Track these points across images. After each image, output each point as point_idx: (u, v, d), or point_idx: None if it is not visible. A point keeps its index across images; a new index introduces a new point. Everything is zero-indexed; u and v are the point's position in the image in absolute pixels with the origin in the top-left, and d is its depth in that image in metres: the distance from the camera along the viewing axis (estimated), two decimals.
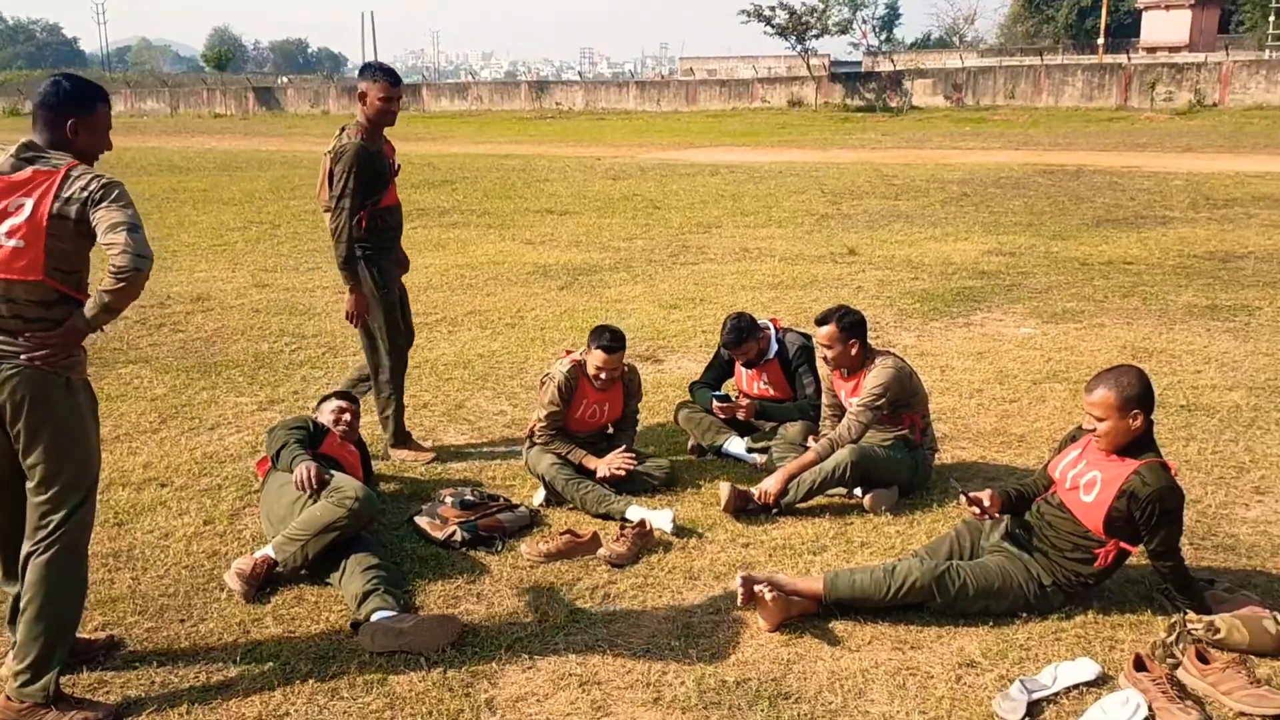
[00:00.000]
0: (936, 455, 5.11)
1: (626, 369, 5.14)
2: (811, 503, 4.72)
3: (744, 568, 4.09)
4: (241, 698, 3.30)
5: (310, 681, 3.38)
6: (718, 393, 5.56)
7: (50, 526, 3.12)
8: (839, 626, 3.69)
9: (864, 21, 58.79)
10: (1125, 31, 57.78)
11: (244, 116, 58.22)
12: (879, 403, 4.76)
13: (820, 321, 4.88)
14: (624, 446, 5.01)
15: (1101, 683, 3.31)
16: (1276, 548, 4.28)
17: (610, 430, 5.23)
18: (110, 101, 3.27)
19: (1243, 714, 3.13)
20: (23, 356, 3.03)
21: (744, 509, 4.64)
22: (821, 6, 49.86)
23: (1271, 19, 47.55)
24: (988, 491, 3.95)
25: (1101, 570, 3.71)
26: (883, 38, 75.93)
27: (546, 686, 3.36)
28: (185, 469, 5.29)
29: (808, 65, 49.41)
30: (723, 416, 5.47)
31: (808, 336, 5.42)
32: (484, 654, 3.53)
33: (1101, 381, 3.66)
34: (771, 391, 5.56)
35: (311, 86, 66.28)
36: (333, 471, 4.27)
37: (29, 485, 3.14)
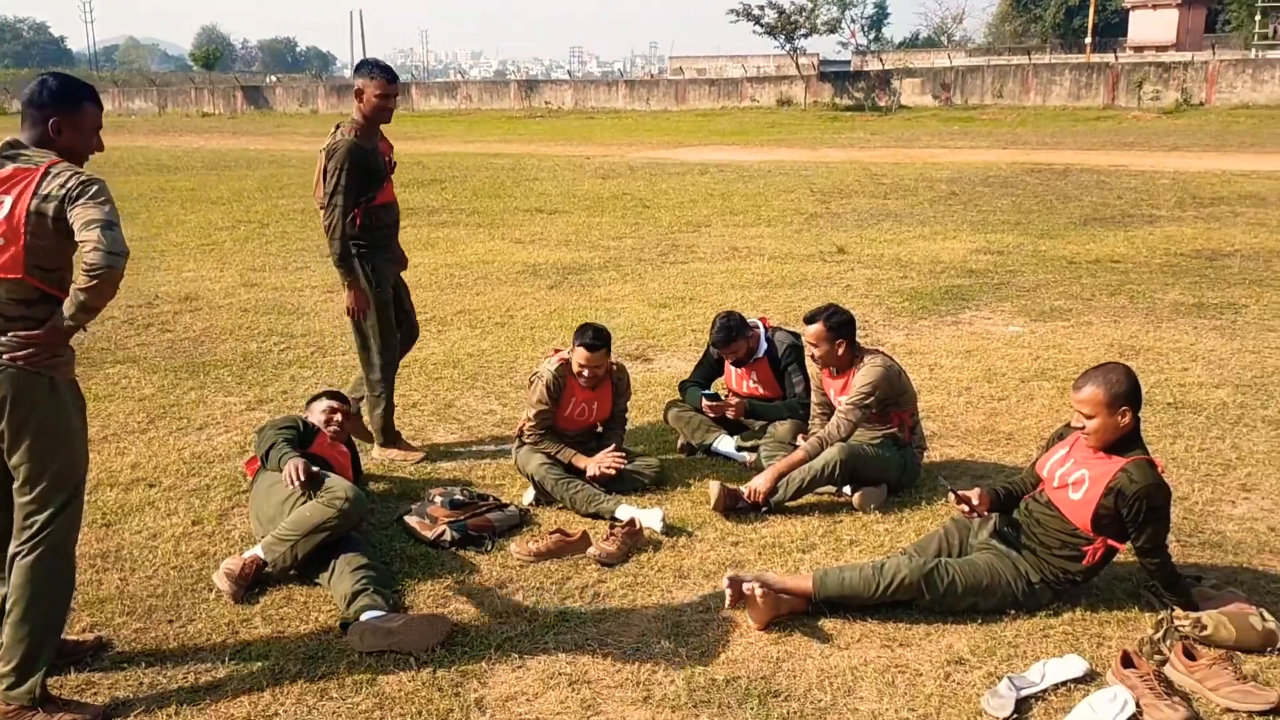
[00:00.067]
0: (925, 453, 5.13)
1: (615, 368, 5.14)
2: (801, 501, 4.73)
3: (733, 566, 4.10)
4: (230, 698, 3.29)
5: (299, 682, 3.37)
6: (707, 391, 5.57)
7: (35, 527, 3.10)
8: (828, 624, 3.70)
9: (852, 21, 59.02)
10: (1112, 31, 58.03)
11: (232, 115, 58.03)
12: (868, 401, 4.77)
13: (808, 320, 4.89)
14: (613, 446, 5.01)
15: (1089, 679, 3.33)
16: (1263, 544, 4.31)
17: (599, 429, 5.23)
18: (100, 101, 3.23)
19: (1229, 709, 3.14)
20: (5, 356, 3.01)
21: (733, 507, 4.64)
22: (810, 6, 49.99)
23: (1258, 18, 47.81)
24: (976, 490, 3.97)
25: (1089, 567, 3.72)
26: (871, 37, 76.04)
27: (536, 686, 3.36)
28: (173, 469, 5.27)
29: (796, 64, 49.52)
30: (712, 415, 5.47)
31: (797, 335, 5.43)
32: (473, 653, 3.53)
33: (1090, 379, 3.68)
34: (761, 390, 5.57)
35: (300, 85, 66.15)
36: (323, 471, 4.27)
37: (14, 486, 3.13)
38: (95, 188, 2.97)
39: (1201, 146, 24.32)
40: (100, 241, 2.88)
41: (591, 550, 4.23)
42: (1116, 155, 22.57)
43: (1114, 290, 9.28)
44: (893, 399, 4.85)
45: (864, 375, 4.80)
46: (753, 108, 46.84)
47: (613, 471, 4.82)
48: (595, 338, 4.89)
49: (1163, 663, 3.36)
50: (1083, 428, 3.68)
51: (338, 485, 4.11)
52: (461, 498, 4.56)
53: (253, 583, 3.95)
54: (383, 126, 5.29)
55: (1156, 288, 9.33)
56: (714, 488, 4.64)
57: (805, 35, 50.56)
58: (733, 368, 5.61)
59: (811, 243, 12.20)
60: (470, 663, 3.47)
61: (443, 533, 4.35)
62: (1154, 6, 50.36)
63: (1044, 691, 3.26)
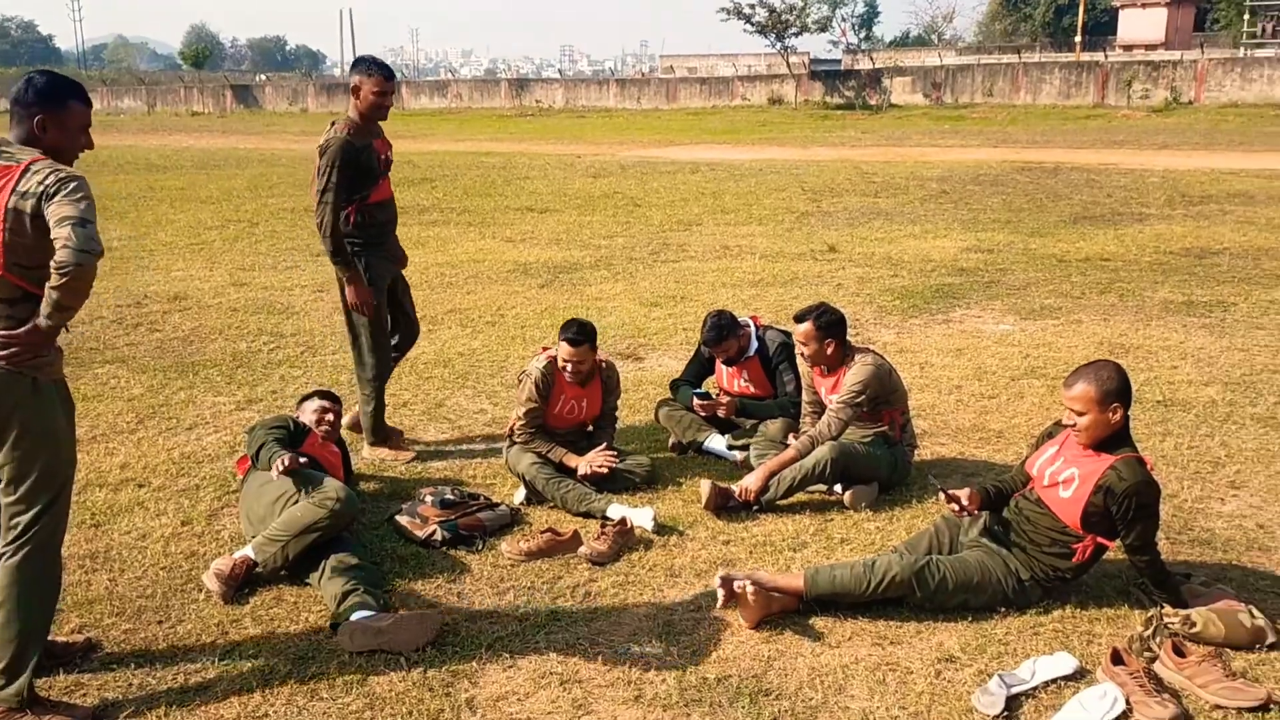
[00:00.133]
0: (916, 451, 5.13)
1: (604, 365, 5.14)
2: (792, 499, 4.74)
3: (725, 565, 4.10)
4: (220, 699, 3.28)
5: (290, 682, 3.36)
6: (698, 390, 5.57)
7: (20, 527, 3.09)
8: (819, 623, 3.70)
9: (843, 19, 59.06)
10: (1102, 29, 58.20)
11: (222, 114, 57.84)
12: (859, 400, 4.78)
13: (798, 319, 4.89)
14: (604, 445, 5.01)
15: (1079, 677, 3.34)
16: (1251, 541, 4.32)
17: (590, 428, 5.23)
18: (88, 99, 3.20)
19: (1219, 706, 3.15)
20: None
21: (725, 506, 4.64)
22: (801, 4, 49.97)
23: (1246, 17, 47.98)
24: (966, 489, 3.97)
25: (1079, 565, 3.73)
26: (862, 36, 76.21)
27: (527, 685, 3.36)
28: (163, 469, 5.26)
29: (787, 63, 49.52)
30: (703, 414, 5.48)
31: (788, 334, 5.43)
32: (464, 653, 3.52)
33: (1081, 376, 3.69)
34: (752, 389, 5.57)
35: (290, 84, 66.01)
36: (313, 471, 4.26)
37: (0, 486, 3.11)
38: (73, 184, 2.92)
39: (1191, 145, 24.40)
40: (70, 239, 2.83)
41: (583, 549, 4.23)
42: (1106, 154, 22.64)
43: (1104, 288, 9.30)
44: (883, 397, 4.86)
45: (855, 374, 4.81)
46: (744, 106, 46.87)
47: (604, 470, 4.82)
48: (578, 332, 4.90)
49: (1152, 660, 3.37)
50: (1073, 425, 3.68)
51: (329, 486, 4.11)
52: (452, 497, 4.55)
53: (242, 583, 3.94)
54: (381, 124, 5.28)
55: (1146, 286, 9.36)
56: (705, 486, 4.64)
57: (796, 34, 50.56)
58: (724, 366, 5.61)
59: (802, 241, 12.21)
60: (461, 662, 3.47)
61: (433, 532, 4.34)
62: (1143, 5, 50.50)
63: (1034, 689, 3.27)
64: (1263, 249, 11.00)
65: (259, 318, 8.64)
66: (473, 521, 4.43)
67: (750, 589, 3.64)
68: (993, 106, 40.17)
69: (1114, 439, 3.68)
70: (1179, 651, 3.34)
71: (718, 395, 5.55)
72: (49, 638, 3.50)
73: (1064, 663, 3.36)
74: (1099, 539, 3.68)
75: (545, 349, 5.11)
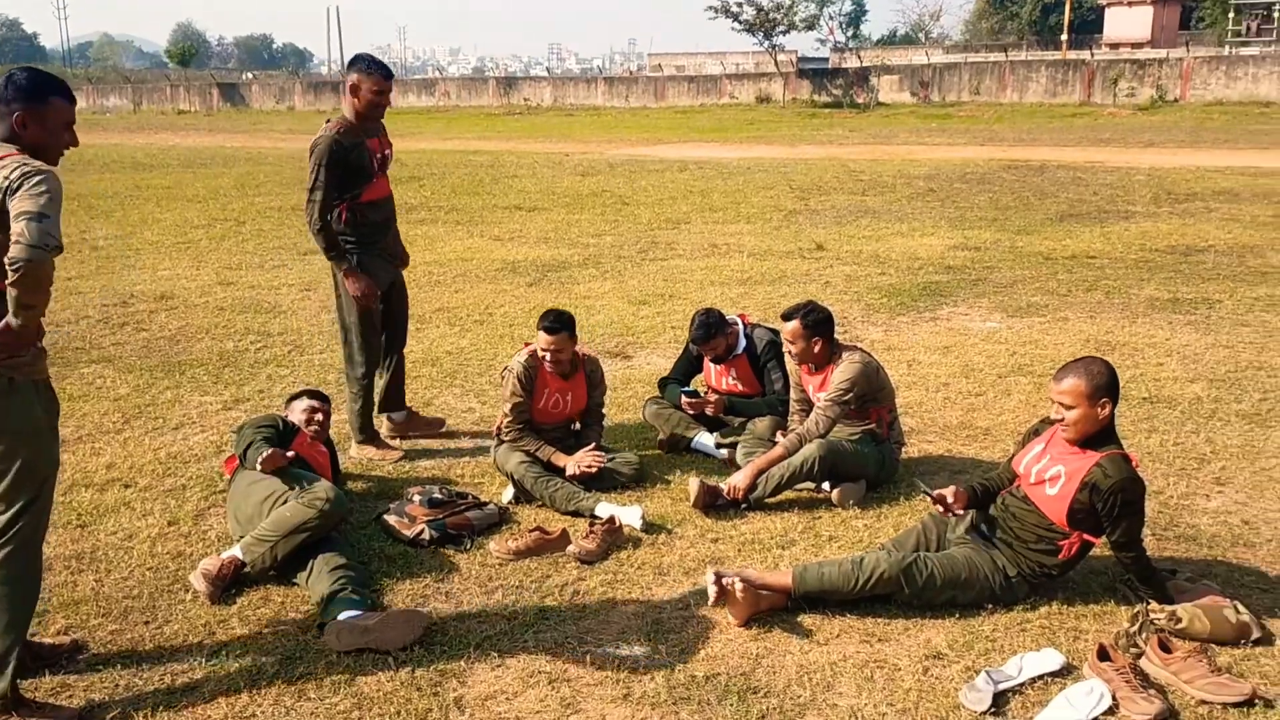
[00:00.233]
0: (903, 449, 5.15)
1: (586, 358, 5.15)
2: (780, 497, 4.74)
3: (713, 563, 4.10)
4: (207, 700, 3.27)
5: (277, 683, 3.35)
6: (686, 388, 5.57)
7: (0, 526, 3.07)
8: (807, 620, 3.71)
9: (830, 18, 59.09)
10: (1088, 28, 58.40)
11: (208, 113, 57.62)
12: (846, 397, 4.79)
13: (786, 317, 4.89)
14: (592, 444, 5.01)
15: (1066, 673, 3.35)
16: (1237, 538, 4.35)
17: (577, 426, 5.23)
18: (71, 96, 3.17)
19: (1204, 702, 3.17)
20: None
21: (713, 504, 4.65)
22: (788, 3, 49.99)
23: (1231, 15, 48.22)
24: (952, 488, 3.98)
25: (1065, 561, 3.75)
26: (849, 34, 76.29)
27: (516, 684, 3.35)
28: (149, 469, 5.23)
29: (775, 62, 49.54)
30: (691, 412, 5.48)
31: (776, 332, 5.43)
32: (453, 652, 3.52)
33: (1071, 371, 3.70)
34: (740, 387, 5.57)
35: (277, 83, 65.74)
36: (300, 470, 4.24)
37: None
38: (36, 179, 2.85)
39: (1176, 143, 24.51)
40: (24, 234, 2.76)
41: (571, 548, 4.23)
42: (1092, 151, 22.73)
43: (1090, 286, 9.34)
44: (871, 395, 4.87)
45: (842, 372, 4.81)
46: (732, 105, 46.88)
47: (592, 470, 4.82)
48: (555, 321, 4.91)
49: (1138, 656, 3.38)
50: (1061, 419, 3.70)
51: (318, 486, 4.10)
52: (440, 496, 4.54)
53: (229, 583, 3.92)
54: (385, 122, 5.29)
55: (1132, 283, 9.40)
56: (693, 485, 4.64)
57: (784, 32, 50.57)
58: (712, 365, 5.61)
59: (790, 239, 12.23)
60: (449, 662, 3.46)
61: (421, 531, 4.34)
62: (1129, 4, 50.66)
63: (1021, 685, 3.28)
64: (1247, 246, 11.06)
65: (246, 317, 8.61)
66: (461, 520, 4.42)
67: (739, 586, 3.64)
68: (980, 105, 40.28)
69: (1100, 435, 3.70)
70: (1165, 647, 3.35)
71: (706, 393, 5.55)
72: (36, 639, 3.49)
73: (1051, 659, 3.38)
74: (1085, 536, 3.70)
75: (527, 344, 5.12)
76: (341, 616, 3.56)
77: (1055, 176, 17.96)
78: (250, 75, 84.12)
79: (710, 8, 50.52)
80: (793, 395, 5.23)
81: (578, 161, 23.21)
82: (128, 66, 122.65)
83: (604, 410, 5.34)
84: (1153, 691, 3.17)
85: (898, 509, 4.69)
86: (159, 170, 22.41)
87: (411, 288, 9.54)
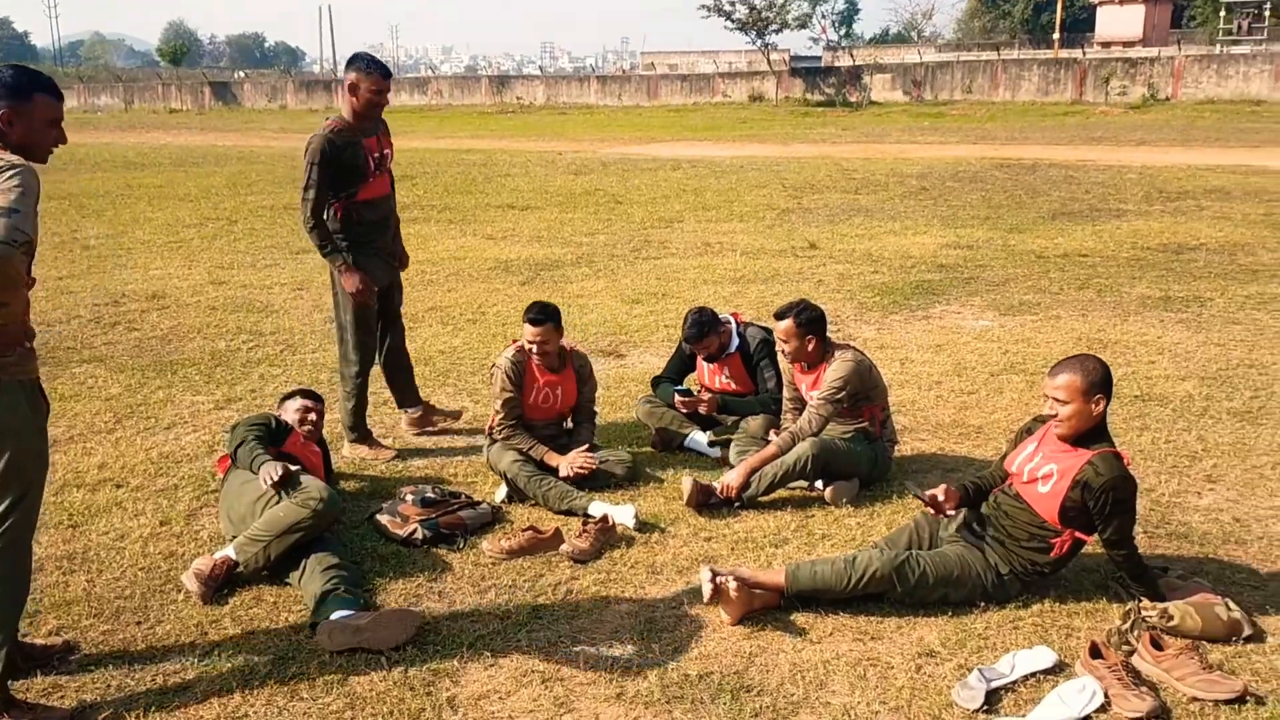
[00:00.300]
0: (896, 447, 5.15)
1: (574, 352, 5.18)
2: (773, 496, 4.75)
3: (706, 562, 4.10)
4: (200, 700, 3.26)
5: (270, 683, 3.35)
6: (680, 387, 5.57)
7: None
8: (800, 619, 3.71)
9: (823, 16, 59.11)
10: (1080, 26, 58.55)
11: (200, 112, 57.50)
12: (839, 396, 4.79)
13: (779, 316, 4.90)
14: (585, 444, 5.01)
15: (1058, 670, 3.36)
16: (1228, 535, 4.36)
17: (569, 424, 5.23)
18: (58, 93, 3.15)
19: (1196, 699, 3.18)
20: None
21: (706, 503, 4.65)
22: (781, 1, 50.05)
23: (1222, 14, 48.36)
24: (943, 487, 3.98)
25: (1057, 559, 3.76)
26: (842, 33, 76.29)
27: (509, 684, 3.35)
28: (141, 469, 5.22)
29: (768, 60, 49.60)
30: (684, 411, 5.48)
31: (769, 330, 5.43)
32: (446, 652, 3.51)
33: (1066, 366, 3.71)
34: (733, 385, 5.57)
35: (269, 81, 65.63)
36: (299, 471, 4.23)
37: None
38: (9, 173, 2.82)
39: (1168, 141, 24.57)
40: None
41: (564, 547, 4.22)
42: (1084, 150, 22.78)
43: (1082, 284, 9.36)
44: (864, 393, 4.87)
45: (835, 370, 4.82)
46: (725, 103, 46.91)
47: (585, 472, 4.82)
48: (540, 312, 4.94)
49: (1130, 653, 3.39)
50: (1055, 415, 3.70)
51: (312, 486, 4.08)
52: (433, 495, 4.54)
53: (222, 583, 3.91)
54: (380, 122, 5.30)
55: (1124, 281, 9.42)
56: (687, 483, 4.64)
57: (776, 31, 50.67)
58: (705, 363, 5.61)
59: (783, 238, 12.23)
60: (442, 661, 3.46)
61: (414, 531, 4.33)
62: (1121, 2, 50.80)
63: (1014, 683, 3.29)
64: (1238, 244, 11.10)
65: (238, 316, 8.59)
66: (454, 520, 4.42)
67: (733, 584, 3.64)
68: (972, 103, 40.35)
69: (1093, 433, 3.70)
70: (1156, 644, 3.36)
71: (699, 392, 5.55)
72: (27, 640, 3.48)
73: (1043, 656, 3.38)
74: (1077, 533, 3.71)
75: (515, 341, 5.12)
76: (334, 616, 3.55)
77: (1047, 175, 17.99)
78: (242, 74, 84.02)
79: (703, 6, 50.59)
80: (785, 394, 5.24)
81: (570, 160, 23.20)
82: (119, 65, 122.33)
83: (595, 408, 5.33)
84: (1145, 689, 3.17)
85: (890, 507, 4.69)
86: (150, 169, 22.35)
87: (404, 286, 9.58)
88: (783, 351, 4.99)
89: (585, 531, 4.27)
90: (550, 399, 5.08)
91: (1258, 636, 3.53)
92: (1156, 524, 4.46)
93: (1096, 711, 3.12)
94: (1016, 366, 6.85)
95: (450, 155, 24.49)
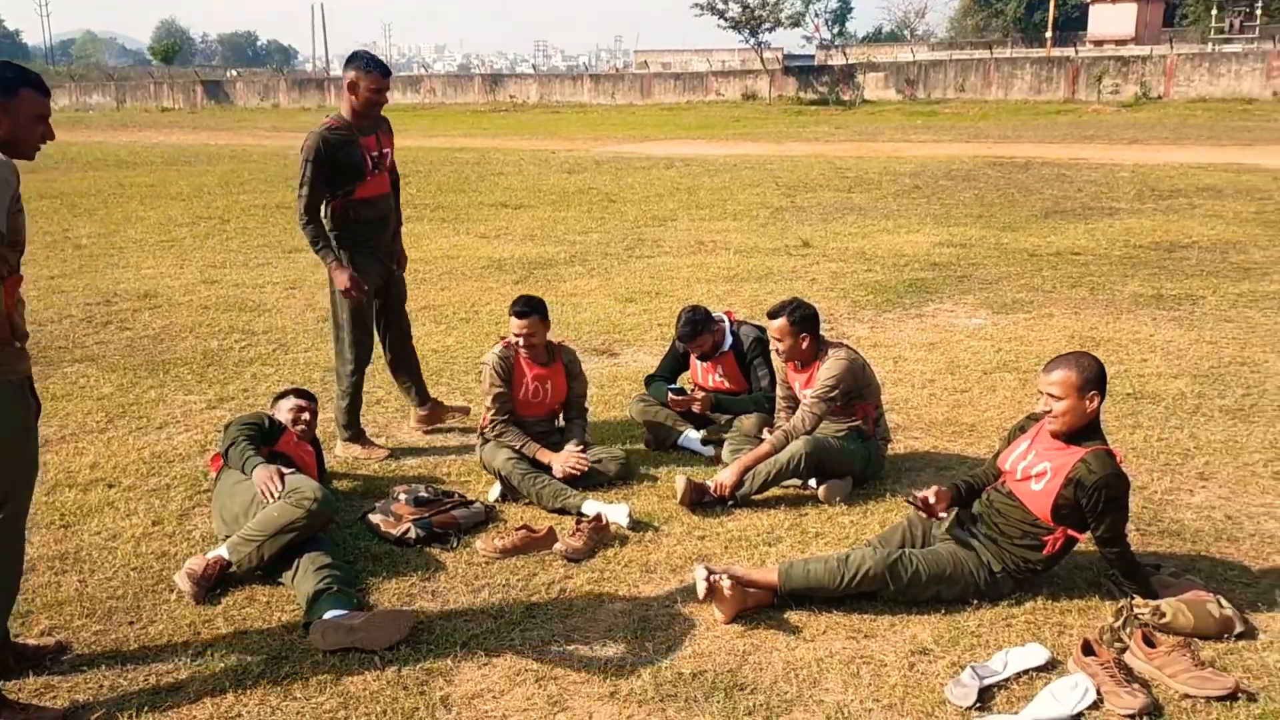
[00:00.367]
0: (889, 445, 5.16)
1: (562, 347, 5.20)
2: (767, 494, 4.75)
3: (700, 560, 4.10)
4: (192, 700, 3.26)
5: (263, 682, 3.34)
6: (673, 385, 5.57)
7: None
8: (794, 617, 3.71)
9: (816, 15, 59.16)
10: (1072, 25, 58.66)
11: (192, 110, 57.38)
12: (832, 394, 4.79)
13: (772, 315, 4.90)
14: (577, 440, 5.01)
15: (1051, 668, 3.36)
16: (1220, 532, 4.37)
17: (561, 422, 5.23)
18: (45, 89, 3.12)
19: (1188, 696, 3.19)
20: None
21: (700, 502, 4.65)
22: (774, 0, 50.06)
23: (1214, 12, 48.48)
24: (934, 488, 3.97)
25: (1050, 557, 3.76)
26: (835, 31, 76.34)
27: (502, 683, 3.35)
28: (133, 469, 5.20)
29: (761, 59, 49.61)
30: (678, 409, 5.48)
31: (762, 329, 5.43)
32: (439, 651, 3.51)
33: (1061, 363, 3.72)
34: (726, 384, 5.57)
35: (261, 80, 65.52)
36: (292, 470, 4.22)
37: None
38: None
39: (1160, 139, 24.63)
40: None
41: (558, 546, 4.22)
42: (1077, 148, 22.82)
43: (1074, 282, 9.38)
44: (857, 392, 4.88)
45: (828, 368, 4.82)
46: (718, 102, 46.92)
47: (578, 472, 4.82)
48: (525, 304, 4.97)
49: (1123, 650, 3.40)
50: (1049, 410, 3.71)
51: (306, 486, 4.07)
52: (426, 495, 4.53)
53: (214, 583, 3.90)
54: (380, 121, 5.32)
55: (1116, 279, 9.44)
56: (680, 482, 4.64)
57: (769, 29, 50.67)
58: (698, 362, 5.61)
59: (777, 236, 12.24)
60: (435, 660, 3.46)
61: (407, 530, 4.32)
62: (1113, 1, 50.90)
63: (1006, 680, 3.29)
64: (1230, 242, 11.13)
65: (230, 315, 8.57)
66: (447, 519, 4.41)
67: (727, 583, 3.65)
68: (965, 102, 40.40)
69: (1086, 430, 3.71)
70: (1149, 642, 3.37)
71: (692, 391, 5.55)
72: (20, 640, 3.47)
73: (1036, 654, 3.39)
74: (1069, 531, 3.71)
75: (503, 338, 5.14)
76: (327, 615, 3.54)
77: (1040, 173, 18.02)
78: (234, 73, 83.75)
79: (696, 4, 50.56)
80: (779, 392, 5.24)
81: (564, 159, 23.19)
82: (111, 64, 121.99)
83: (586, 404, 5.33)
84: (1137, 685, 3.18)
85: (884, 505, 4.69)
86: (143, 168, 22.29)
87: None
88: (776, 350, 4.99)
89: (579, 530, 4.27)
90: (541, 393, 5.08)
91: (1249, 634, 3.54)
92: (1149, 521, 4.47)
93: (1089, 708, 3.13)
94: (1009, 364, 6.86)
95: (443, 154, 24.46)
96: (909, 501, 3.98)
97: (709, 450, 5.31)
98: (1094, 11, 52.62)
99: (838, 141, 26.93)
